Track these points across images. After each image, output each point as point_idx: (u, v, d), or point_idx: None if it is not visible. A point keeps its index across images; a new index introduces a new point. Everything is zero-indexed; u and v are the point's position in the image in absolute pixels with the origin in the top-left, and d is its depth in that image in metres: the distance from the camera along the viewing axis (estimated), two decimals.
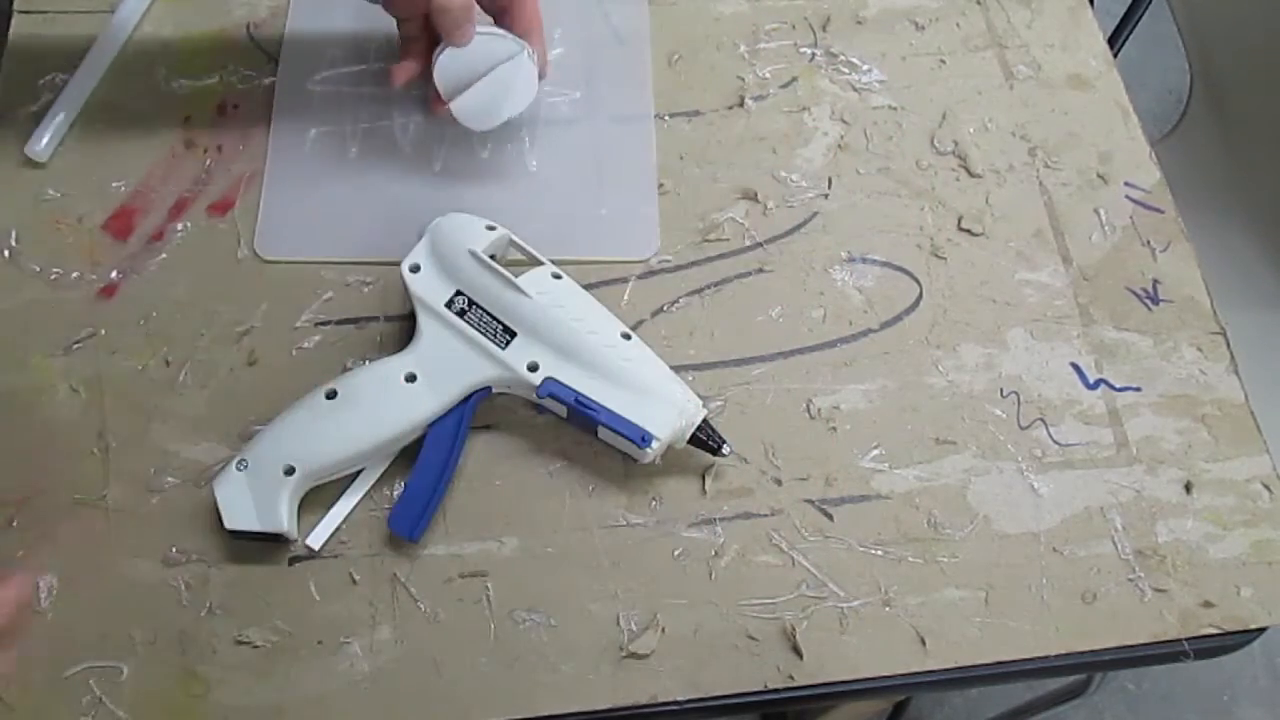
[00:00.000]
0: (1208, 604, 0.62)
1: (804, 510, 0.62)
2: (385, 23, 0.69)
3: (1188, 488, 0.65)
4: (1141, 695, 1.44)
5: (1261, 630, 0.63)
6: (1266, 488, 0.66)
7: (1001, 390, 0.67)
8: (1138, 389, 0.68)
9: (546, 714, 0.57)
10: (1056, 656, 0.60)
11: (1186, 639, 0.61)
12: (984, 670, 0.60)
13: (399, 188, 0.71)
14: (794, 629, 0.59)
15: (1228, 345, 0.70)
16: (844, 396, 0.66)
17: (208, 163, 0.71)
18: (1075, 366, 0.68)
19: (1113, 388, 0.68)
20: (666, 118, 0.75)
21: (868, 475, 0.64)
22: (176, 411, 0.63)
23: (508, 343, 0.61)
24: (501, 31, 0.68)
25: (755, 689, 0.58)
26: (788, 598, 0.60)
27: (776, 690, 0.58)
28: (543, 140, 0.74)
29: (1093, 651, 0.61)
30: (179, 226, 0.69)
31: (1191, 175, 1.12)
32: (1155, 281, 0.72)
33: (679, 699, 0.57)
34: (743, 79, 0.77)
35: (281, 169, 0.71)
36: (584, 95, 0.76)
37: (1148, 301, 0.71)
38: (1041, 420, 0.66)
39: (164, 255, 0.68)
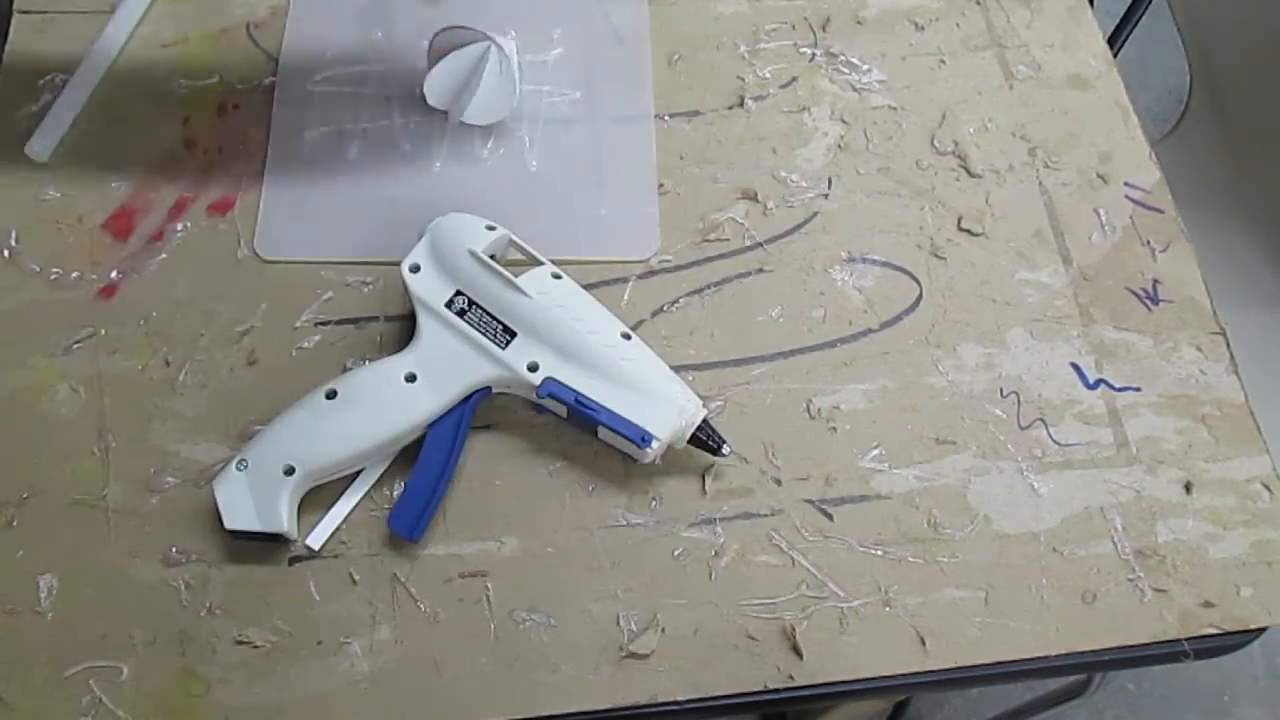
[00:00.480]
0: (1208, 604, 0.62)
1: (804, 510, 0.62)
2: (385, 22, 0.69)
3: (1188, 488, 0.65)
4: (1141, 695, 1.44)
5: (1261, 630, 0.63)
6: (1266, 488, 0.66)
7: (1001, 390, 0.67)
8: (1138, 389, 0.68)
9: (547, 714, 0.57)
10: (1056, 656, 0.60)
11: (1186, 639, 0.61)
12: (984, 670, 0.60)
13: (399, 188, 0.71)
14: (794, 629, 0.59)
15: (1228, 345, 0.70)
16: (844, 396, 0.66)
17: (209, 162, 0.71)
18: (1075, 366, 0.68)
19: (1112, 388, 0.68)
20: (666, 118, 0.75)
21: (868, 475, 0.64)
22: (176, 411, 0.63)
23: (508, 343, 0.61)
24: (477, 31, 0.69)
25: (755, 689, 0.58)
26: (788, 598, 0.60)
27: (776, 690, 0.58)
28: (543, 140, 0.74)
29: (1093, 651, 0.61)
30: (179, 226, 0.69)
31: (1191, 175, 1.12)
32: (1155, 281, 0.72)
33: (679, 699, 0.57)
34: (743, 79, 0.77)
35: (281, 169, 0.71)
36: (584, 95, 0.76)
37: (1148, 301, 0.71)
38: (1041, 420, 0.66)
39: (164, 255, 0.68)
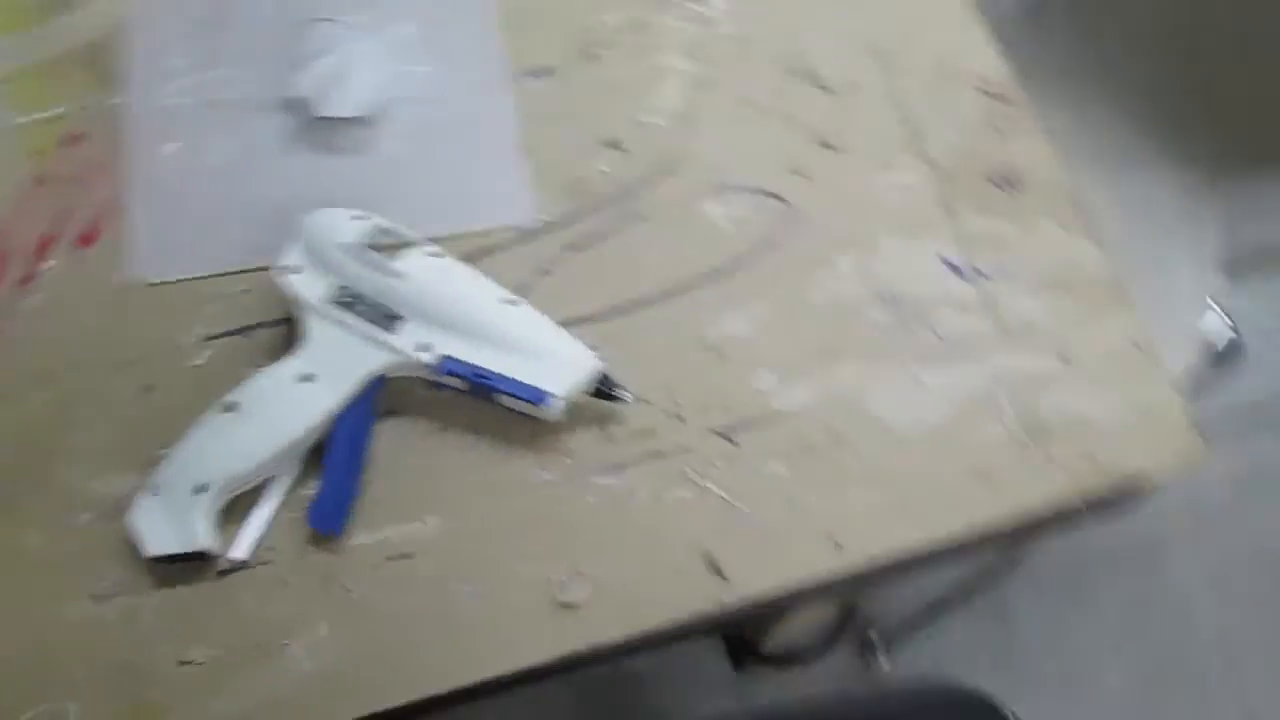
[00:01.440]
0: (1099, 468, 0.66)
1: (710, 440, 0.65)
2: (230, 25, 0.68)
3: (1066, 359, 0.69)
4: (1075, 564, 1.51)
5: (1153, 487, 0.67)
6: (1138, 347, 0.70)
7: (880, 294, 0.70)
8: (1008, 273, 0.71)
9: (493, 675, 0.59)
10: (964, 537, 0.64)
11: (1084, 503, 0.65)
12: (896, 559, 0.63)
13: (264, 190, 0.71)
14: (715, 554, 0.61)
15: (1088, 220, 0.74)
16: (732, 324, 0.68)
17: (65, 196, 0.70)
18: (946, 261, 0.71)
19: (984, 276, 0.71)
20: (521, 78, 0.76)
21: (765, 397, 0.66)
22: (79, 448, 0.63)
23: (397, 328, 0.62)
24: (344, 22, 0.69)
25: (687, 617, 0.60)
26: (705, 526, 0.62)
27: (707, 615, 0.61)
28: (401, 120, 0.73)
29: (997, 526, 0.64)
30: (48, 265, 0.68)
31: (1044, 57, 1.15)
32: (1013, 169, 0.75)
33: (616, 639, 0.60)
34: (590, 29, 0.78)
35: (144, 190, 0.70)
36: (435, 69, 0.76)
37: (1008, 188, 0.74)
38: (921, 317, 0.69)
39: (39, 295, 0.67)
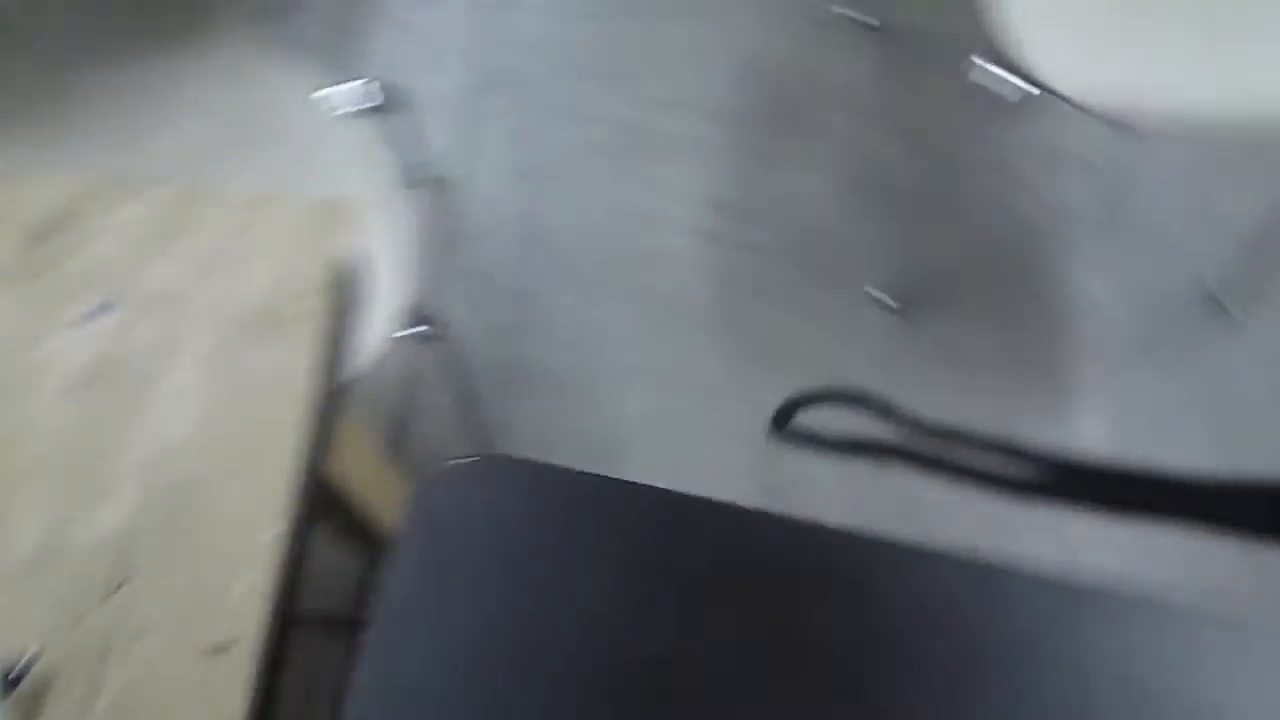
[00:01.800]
0: (317, 310, 0.76)
1: (115, 630, 0.67)
2: None
3: (235, 264, 0.78)
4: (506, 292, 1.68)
5: (364, 262, 0.79)
6: (265, 203, 0.80)
7: (77, 387, 0.75)
8: (121, 274, 0.78)
9: None
10: (316, 441, 0.73)
11: (338, 311, 0.76)
12: (310, 521, 0.72)
13: None
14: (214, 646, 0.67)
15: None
16: (100, 521, 0.70)
17: None
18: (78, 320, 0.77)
19: (115, 305, 0.77)
20: None
21: (121, 546, 0.69)
22: None
23: None
24: None
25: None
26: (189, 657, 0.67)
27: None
28: None
29: (321, 414, 0.74)
30: None
31: None
32: (40, 215, 0.80)
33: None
34: None
35: None
36: None
37: (45, 236, 0.80)
38: (125, 380, 0.75)
39: None
